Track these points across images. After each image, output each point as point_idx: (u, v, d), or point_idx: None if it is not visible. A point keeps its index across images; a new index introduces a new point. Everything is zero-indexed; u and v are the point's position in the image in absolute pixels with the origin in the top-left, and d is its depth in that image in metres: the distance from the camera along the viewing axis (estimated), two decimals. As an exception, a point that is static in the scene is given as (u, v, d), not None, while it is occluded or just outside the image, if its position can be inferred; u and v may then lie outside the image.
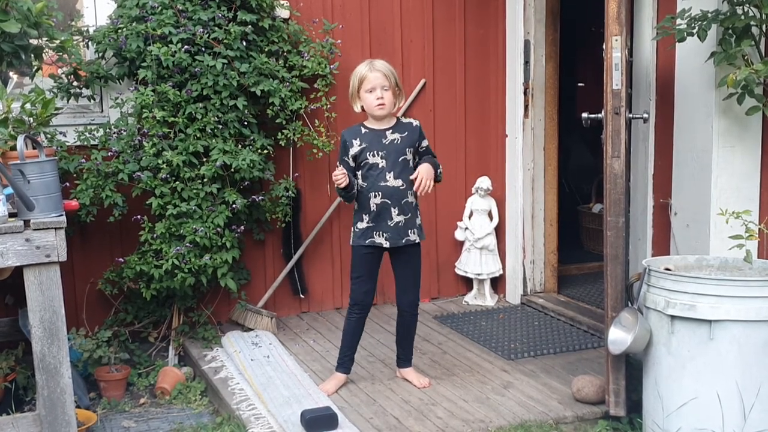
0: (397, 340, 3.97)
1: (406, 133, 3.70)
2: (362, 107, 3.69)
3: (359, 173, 3.68)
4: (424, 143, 3.75)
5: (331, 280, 5.08)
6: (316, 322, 4.86)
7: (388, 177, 3.65)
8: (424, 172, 3.62)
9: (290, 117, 4.63)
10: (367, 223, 3.70)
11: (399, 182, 3.66)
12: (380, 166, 3.65)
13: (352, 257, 3.80)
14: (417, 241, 3.75)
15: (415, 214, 3.74)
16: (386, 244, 3.70)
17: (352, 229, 3.77)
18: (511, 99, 5.11)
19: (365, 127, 3.70)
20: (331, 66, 4.71)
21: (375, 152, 3.65)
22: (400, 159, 3.66)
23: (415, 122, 3.77)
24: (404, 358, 3.95)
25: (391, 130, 3.68)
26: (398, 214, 3.67)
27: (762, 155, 3.56)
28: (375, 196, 3.65)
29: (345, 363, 3.88)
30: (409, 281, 3.82)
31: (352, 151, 3.66)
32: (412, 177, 3.64)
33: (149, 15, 4.22)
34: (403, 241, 3.71)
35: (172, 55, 4.13)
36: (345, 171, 3.59)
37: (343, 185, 3.58)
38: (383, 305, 5.12)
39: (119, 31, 4.25)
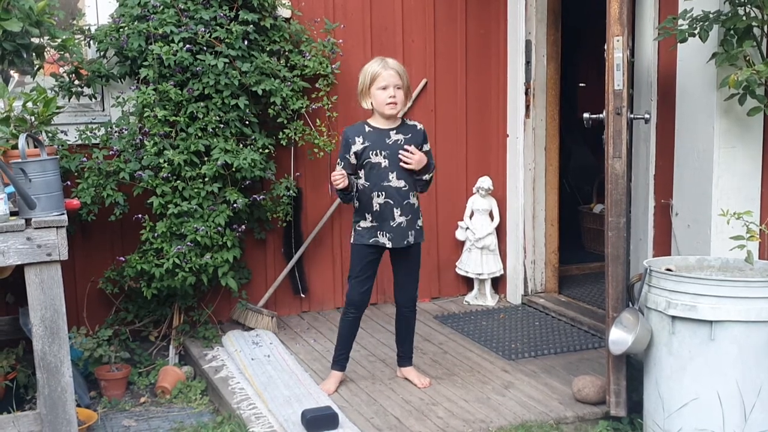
0: (396, 339, 3.97)
1: (410, 134, 3.68)
2: (371, 104, 3.67)
3: (362, 172, 3.67)
4: (426, 147, 3.73)
5: (332, 279, 5.08)
6: (317, 322, 4.86)
7: (390, 177, 3.64)
8: (418, 157, 3.60)
9: (291, 116, 4.63)
10: (371, 222, 3.69)
11: (401, 183, 3.65)
12: (383, 165, 3.64)
13: (352, 256, 3.79)
14: (413, 243, 3.74)
15: (417, 216, 3.73)
16: (389, 245, 3.69)
17: (354, 227, 3.76)
18: (513, 99, 5.11)
19: (369, 126, 3.69)
20: (333, 66, 4.71)
21: (378, 151, 3.64)
22: None
23: (420, 126, 3.75)
24: (405, 357, 3.95)
25: (395, 131, 3.67)
26: (401, 215, 3.67)
27: (763, 156, 3.56)
28: (378, 196, 3.65)
29: (341, 361, 3.88)
30: (407, 278, 3.82)
31: (355, 148, 3.65)
32: (407, 149, 3.60)
33: (151, 14, 4.22)
34: (405, 242, 3.70)
35: (173, 54, 4.13)
36: (344, 172, 3.57)
37: (341, 186, 3.57)
38: (383, 305, 5.12)
39: (121, 30, 4.25)
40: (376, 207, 3.66)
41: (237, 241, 4.38)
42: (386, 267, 3.89)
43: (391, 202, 3.65)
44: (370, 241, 3.70)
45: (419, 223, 3.76)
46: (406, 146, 3.63)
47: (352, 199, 3.69)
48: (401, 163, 3.62)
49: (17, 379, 3.90)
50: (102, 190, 4.18)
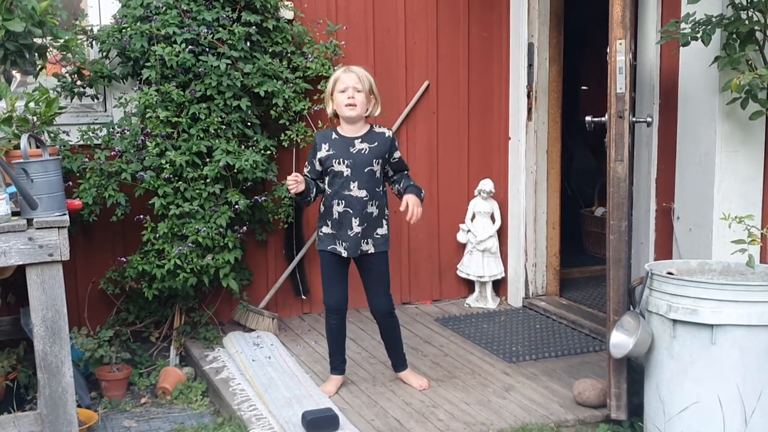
0: (386, 348, 3.96)
1: (376, 143, 3.66)
2: (334, 111, 3.68)
3: (326, 179, 3.67)
4: (396, 155, 3.72)
5: (333, 281, 5.08)
6: (318, 324, 4.86)
7: (352, 186, 3.63)
8: (412, 203, 3.62)
9: (293, 118, 4.63)
10: (330, 229, 3.69)
11: (363, 192, 3.63)
12: (345, 174, 3.63)
13: (321, 261, 3.80)
14: (370, 252, 3.70)
15: (377, 224, 3.68)
16: (345, 254, 3.68)
17: (317, 232, 3.78)
18: (515, 102, 5.11)
19: (336, 133, 3.69)
20: (335, 67, 4.69)
21: (341, 160, 3.63)
22: (365, 170, 3.63)
23: (388, 133, 3.73)
24: (398, 363, 3.95)
25: (360, 139, 3.66)
26: (358, 225, 3.64)
27: (765, 160, 3.56)
28: (338, 204, 3.64)
29: (338, 366, 3.88)
30: (375, 289, 3.79)
31: (320, 154, 3.65)
32: (401, 209, 3.63)
33: (153, 15, 4.22)
34: (358, 252, 3.68)
35: (176, 55, 4.13)
36: (298, 177, 3.56)
37: (293, 191, 3.56)
38: (385, 307, 5.12)
39: (123, 30, 4.25)
40: (335, 215, 3.65)
41: (238, 243, 4.38)
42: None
43: (351, 212, 3.63)
44: (329, 248, 3.70)
45: (380, 231, 3.69)
46: (401, 209, 3.64)
47: (310, 202, 3.71)
48: (412, 220, 3.63)
49: (18, 380, 3.90)
50: (104, 190, 4.18)
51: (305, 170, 3.71)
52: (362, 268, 3.77)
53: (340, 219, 3.65)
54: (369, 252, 3.70)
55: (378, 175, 3.67)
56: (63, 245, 3.06)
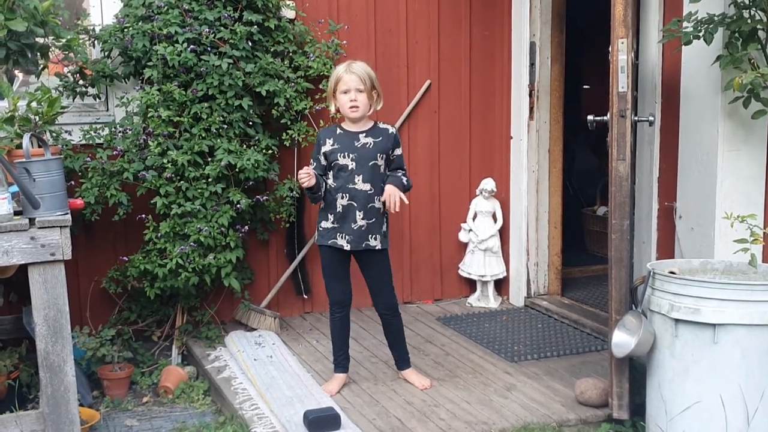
0: (388, 345, 3.97)
1: (380, 138, 3.69)
2: (337, 109, 3.71)
3: (330, 173, 3.69)
4: (397, 152, 3.74)
5: (335, 280, 5.08)
6: (319, 323, 4.86)
7: (356, 180, 3.64)
8: (389, 192, 3.59)
9: (295, 117, 4.64)
10: (332, 223, 3.70)
11: (367, 186, 3.65)
12: (350, 168, 3.65)
13: (321, 257, 3.82)
14: (378, 248, 3.71)
15: (381, 221, 3.71)
16: (347, 247, 3.69)
17: (317, 227, 3.79)
18: (516, 101, 5.11)
19: (341, 129, 3.72)
20: (336, 67, 4.70)
21: (346, 154, 3.65)
22: (370, 163, 3.65)
23: (392, 129, 3.76)
24: (401, 360, 3.95)
25: (364, 134, 3.68)
26: (362, 218, 3.66)
27: (767, 159, 3.55)
28: (342, 198, 3.66)
29: (341, 363, 3.88)
30: (378, 285, 3.81)
31: (324, 149, 3.68)
32: (382, 199, 3.63)
33: (155, 14, 4.22)
34: (363, 245, 3.69)
35: (177, 55, 4.13)
36: (311, 171, 3.57)
37: (306, 185, 3.56)
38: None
39: (125, 30, 4.26)
40: (339, 208, 3.67)
41: (240, 242, 4.38)
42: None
43: (355, 205, 3.65)
44: (329, 242, 3.71)
45: (384, 228, 3.74)
46: (381, 201, 3.64)
47: (319, 199, 3.72)
48: (392, 209, 3.61)
49: (20, 378, 3.91)
50: (105, 190, 4.18)
51: (310, 167, 3.71)
52: (366, 264, 3.78)
53: (343, 212, 3.67)
54: (377, 248, 3.71)
55: (382, 170, 3.69)
56: (65, 244, 3.06)
